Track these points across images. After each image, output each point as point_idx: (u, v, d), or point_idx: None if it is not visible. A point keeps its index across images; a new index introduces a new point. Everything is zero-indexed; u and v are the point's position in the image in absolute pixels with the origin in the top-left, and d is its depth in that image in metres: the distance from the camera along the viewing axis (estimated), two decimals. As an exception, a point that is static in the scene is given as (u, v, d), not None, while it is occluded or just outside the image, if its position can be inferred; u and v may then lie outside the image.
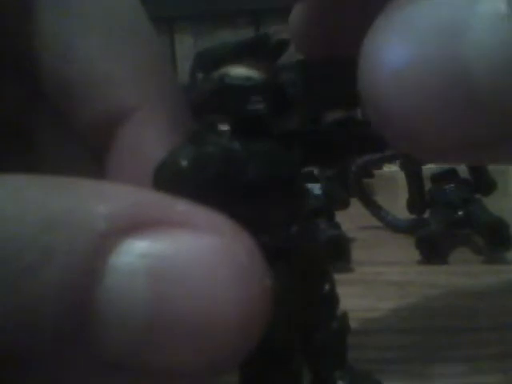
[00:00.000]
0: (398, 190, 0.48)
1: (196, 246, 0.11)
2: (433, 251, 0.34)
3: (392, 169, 0.57)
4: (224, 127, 0.15)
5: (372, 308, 0.27)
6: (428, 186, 0.41)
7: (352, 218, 0.40)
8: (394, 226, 0.41)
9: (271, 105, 0.14)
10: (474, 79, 0.12)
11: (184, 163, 0.13)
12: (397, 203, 0.43)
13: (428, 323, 0.26)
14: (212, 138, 0.14)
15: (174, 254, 0.10)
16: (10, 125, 0.19)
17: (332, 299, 0.17)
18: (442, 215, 0.37)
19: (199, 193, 0.13)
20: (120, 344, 0.10)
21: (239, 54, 0.14)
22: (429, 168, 0.41)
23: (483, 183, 0.40)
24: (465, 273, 0.32)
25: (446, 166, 0.40)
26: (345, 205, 0.40)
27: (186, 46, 0.98)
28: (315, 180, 0.39)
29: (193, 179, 0.13)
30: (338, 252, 0.33)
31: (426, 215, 0.40)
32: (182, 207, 0.11)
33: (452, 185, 0.39)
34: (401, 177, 0.44)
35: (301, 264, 0.15)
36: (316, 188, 0.39)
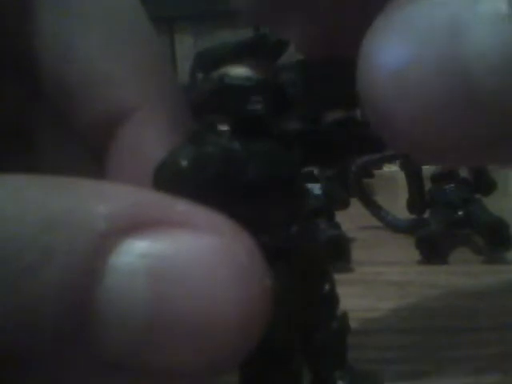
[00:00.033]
0: (397, 190, 0.48)
1: (196, 246, 0.11)
2: (433, 251, 0.34)
3: (392, 169, 0.57)
4: (224, 127, 0.15)
5: (372, 308, 0.27)
6: (428, 186, 0.41)
7: (352, 218, 0.40)
8: (394, 226, 0.41)
9: (271, 105, 0.14)
10: (474, 79, 0.12)
11: (184, 163, 0.13)
12: (397, 203, 0.43)
13: (428, 323, 0.26)
14: (212, 138, 0.14)
15: (173, 254, 0.10)
16: (9, 125, 0.19)
17: (332, 299, 0.17)
18: (442, 215, 0.37)
19: (199, 193, 0.13)
20: (120, 344, 0.10)
21: (239, 54, 0.14)
22: (429, 168, 0.41)
23: (483, 183, 0.40)
24: (465, 273, 0.32)
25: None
26: (345, 205, 0.40)
27: (186, 46, 0.98)
28: (315, 180, 0.39)
29: (193, 179, 0.13)
30: (338, 252, 0.33)
31: (426, 215, 0.40)
32: (181, 207, 0.11)
33: (452, 185, 0.39)
34: (401, 177, 0.44)
35: (301, 264, 0.15)
36: (316, 188, 0.39)
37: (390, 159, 0.45)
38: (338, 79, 0.15)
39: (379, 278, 0.31)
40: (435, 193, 0.40)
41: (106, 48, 0.18)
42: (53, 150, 0.20)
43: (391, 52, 0.12)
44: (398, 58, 0.12)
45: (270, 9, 0.15)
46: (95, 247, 0.10)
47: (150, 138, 0.18)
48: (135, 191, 0.11)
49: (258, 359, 0.14)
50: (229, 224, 0.11)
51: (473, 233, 0.36)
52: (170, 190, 0.12)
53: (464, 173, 0.40)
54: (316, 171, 0.41)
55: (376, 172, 0.56)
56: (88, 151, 0.19)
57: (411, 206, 0.41)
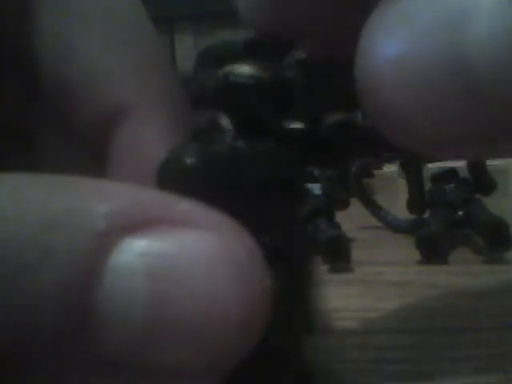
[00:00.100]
0: (397, 190, 0.48)
1: (196, 246, 0.11)
2: (433, 251, 0.34)
3: (392, 169, 0.57)
4: (227, 126, 0.15)
5: (372, 308, 0.27)
6: (428, 185, 0.41)
7: (352, 218, 0.39)
8: (394, 226, 0.41)
9: (275, 104, 0.14)
10: (475, 69, 0.11)
11: (189, 161, 0.13)
12: (397, 203, 0.43)
13: (428, 323, 0.25)
14: (216, 136, 0.14)
15: (173, 253, 0.10)
16: (10, 125, 0.19)
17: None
18: (442, 215, 0.37)
19: (204, 191, 0.13)
20: (120, 343, 0.10)
21: (243, 52, 0.14)
22: (429, 168, 0.41)
23: (483, 183, 0.40)
24: (465, 273, 0.31)
25: (445, 166, 0.40)
26: (345, 205, 0.40)
27: (186, 46, 0.98)
28: (315, 180, 0.39)
29: (198, 177, 0.13)
30: (338, 252, 0.33)
31: (426, 215, 0.40)
32: (182, 206, 0.11)
33: (452, 185, 0.39)
34: (401, 177, 0.44)
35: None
36: (316, 188, 0.39)
37: (390, 159, 0.45)
38: (338, 80, 0.15)
39: (379, 278, 0.31)
40: (435, 193, 0.40)
41: (105, 48, 0.18)
42: (53, 150, 0.20)
43: (390, 40, 0.12)
44: (397, 46, 0.12)
45: (271, 9, 0.15)
46: (95, 246, 0.10)
47: (149, 136, 0.18)
48: (135, 190, 0.11)
49: (258, 359, 0.14)
50: (229, 223, 0.11)
51: (473, 233, 0.36)
52: (174, 187, 0.12)
53: (464, 173, 0.40)
54: (316, 171, 0.41)
55: (376, 172, 0.56)
56: (88, 151, 0.19)
57: (411, 206, 0.41)
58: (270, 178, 0.14)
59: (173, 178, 0.14)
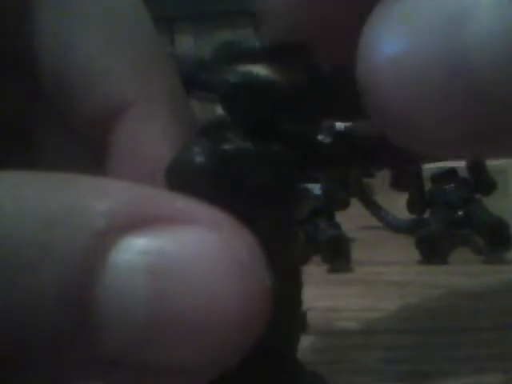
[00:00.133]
0: (398, 190, 0.48)
1: (196, 243, 0.11)
2: (433, 251, 0.34)
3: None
4: (235, 125, 0.14)
5: (372, 308, 0.27)
6: (428, 186, 0.41)
7: (352, 218, 0.40)
8: (394, 226, 0.41)
9: (289, 108, 0.14)
10: (474, 68, 0.11)
11: (199, 160, 0.13)
12: (397, 203, 0.43)
13: (428, 323, 0.25)
14: (224, 134, 0.14)
15: (173, 251, 0.10)
16: (10, 125, 0.19)
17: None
18: (442, 215, 0.37)
19: (213, 191, 0.13)
20: (120, 342, 0.10)
21: (260, 54, 0.14)
22: (429, 168, 0.41)
23: (483, 183, 0.40)
24: (465, 273, 0.31)
25: (445, 166, 0.40)
26: (345, 205, 0.40)
27: (186, 46, 0.98)
28: (315, 180, 0.39)
29: (208, 177, 0.13)
30: (338, 252, 0.33)
31: (426, 215, 0.40)
32: (182, 204, 0.11)
33: (452, 185, 0.39)
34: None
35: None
36: (316, 188, 0.39)
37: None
38: (343, 88, 0.15)
39: (379, 278, 0.31)
40: (435, 193, 0.40)
41: (105, 48, 0.18)
42: (53, 150, 0.20)
43: (391, 38, 0.12)
44: (397, 44, 0.12)
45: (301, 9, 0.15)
46: (94, 244, 0.10)
47: (149, 135, 0.18)
48: (134, 188, 0.11)
49: (258, 359, 0.14)
50: (229, 221, 0.11)
51: (473, 233, 0.36)
52: (183, 186, 0.12)
53: (464, 173, 0.40)
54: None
55: (376, 172, 0.56)
56: (88, 151, 0.19)
57: (411, 206, 0.41)
58: (272, 180, 0.14)
59: (182, 176, 0.13)
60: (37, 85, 0.19)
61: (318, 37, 0.15)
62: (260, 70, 0.14)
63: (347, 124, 0.17)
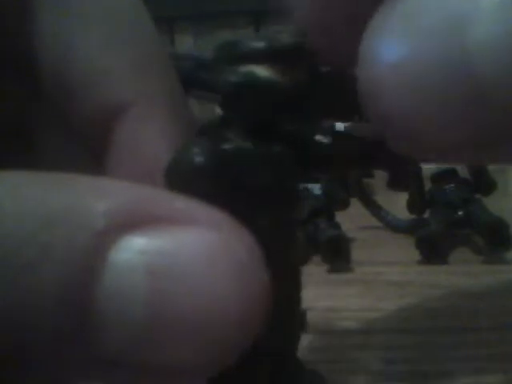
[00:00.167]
0: (397, 189, 0.48)
1: (196, 243, 0.11)
2: (433, 251, 0.34)
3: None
4: (236, 125, 0.14)
5: (372, 308, 0.27)
6: (428, 185, 0.41)
7: (352, 218, 0.39)
8: (394, 226, 0.41)
9: (291, 109, 0.14)
10: (475, 74, 0.11)
11: (198, 160, 0.13)
12: (397, 203, 0.43)
13: (428, 323, 0.26)
14: (223, 134, 0.14)
15: (172, 251, 0.10)
16: (10, 125, 0.19)
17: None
18: (442, 215, 0.37)
19: (213, 191, 0.13)
20: (120, 342, 0.10)
21: (263, 54, 0.14)
22: (429, 168, 0.41)
23: (483, 183, 0.40)
24: (465, 273, 0.31)
25: (445, 166, 0.40)
26: (345, 205, 0.40)
27: (186, 46, 0.98)
28: (315, 180, 0.39)
29: (208, 176, 0.13)
30: (338, 252, 0.33)
31: (426, 215, 0.40)
32: (181, 204, 0.11)
33: (452, 185, 0.39)
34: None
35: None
36: (316, 188, 0.39)
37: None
38: (343, 88, 0.15)
39: (379, 278, 0.31)
40: (435, 193, 0.40)
41: (105, 48, 0.18)
42: (53, 150, 0.20)
43: (391, 45, 0.12)
44: (397, 50, 0.12)
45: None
46: (94, 244, 0.10)
47: (149, 135, 0.18)
48: (134, 187, 0.11)
49: (258, 359, 0.14)
50: (229, 221, 0.11)
51: (473, 233, 0.36)
52: (183, 186, 0.12)
53: (464, 173, 0.40)
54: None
55: (376, 172, 0.56)
56: (88, 151, 0.19)
57: (411, 206, 0.41)
58: (272, 180, 0.14)
59: (181, 176, 0.13)
60: (37, 85, 0.19)
61: (320, 38, 0.15)
62: (262, 70, 0.14)
63: (347, 124, 0.17)
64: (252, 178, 0.13)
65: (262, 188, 0.13)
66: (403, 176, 0.38)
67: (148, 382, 0.11)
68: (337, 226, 0.36)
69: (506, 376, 0.21)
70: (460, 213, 0.37)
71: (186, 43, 0.99)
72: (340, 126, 0.17)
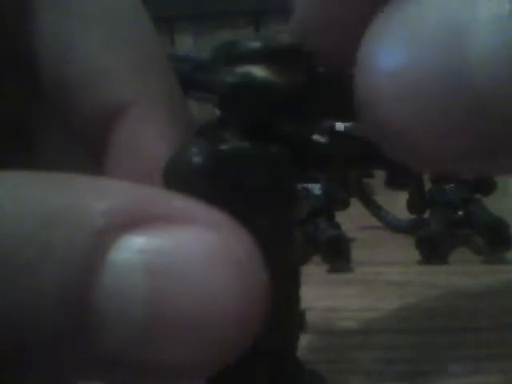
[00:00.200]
0: (398, 189, 0.48)
1: (195, 242, 0.11)
2: (433, 251, 0.34)
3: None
4: (234, 126, 0.14)
5: (372, 308, 0.27)
6: (428, 186, 0.41)
7: (352, 218, 0.40)
8: (394, 226, 0.41)
9: (288, 110, 0.14)
10: (476, 84, 0.11)
11: (196, 160, 0.13)
12: (397, 203, 0.43)
13: (428, 323, 0.26)
14: (221, 134, 0.14)
15: (171, 250, 0.10)
16: (10, 125, 0.19)
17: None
18: (442, 215, 0.37)
19: (211, 191, 0.13)
20: (119, 342, 0.10)
21: (260, 55, 0.14)
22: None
23: (483, 183, 0.40)
24: (465, 273, 0.32)
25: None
26: (345, 205, 0.40)
27: (186, 46, 0.98)
28: (315, 180, 0.39)
29: (206, 177, 0.13)
30: (338, 252, 0.33)
31: (426, 215, 0.40)
32: (180, 203, 0.11)
33: (452, 185, 0.39)
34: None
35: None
36: (316, 188, 0.39)
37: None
38: (342, 88, 0.15)
39: (379, 278, 0.31)
40: (435, 193, 0.40)
41: (105, 48, 0.18)
42: (53, 150, 0.20)
43: (389, 53, 0.12)
44: (396, 59, 0.12)
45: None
46: (94, 244, 0.10)
47: (148, 135, 0.18)
48: (133, 187, 0.11)
49: (258, 359, 0.14)
50: (227, 221, 0.11)
51: (473, 233, 0.36)
52: (180, 186, 0.12)
53: (464, 173, 0.40)
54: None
55: (376, 172, 0.56)
56: (88, 151, 0.19)
57: (411, 206, 0.41)
58: (270, 180, 0.14)
59: (180, 176, 0.13)
60: (37, 85, 0.19)
61: (319, 39, 0.15)
62: (259, 71, 0.14)
63: (347, 124, 0.17)
64: (249, 178, 0.13)
65: (260, 188, 0.13)
66: (402, 175, 0.38)
67: (148, 382, 0.11)
68: (337, 226, 0.36)
69: (506, 376, 0.21)
70: (460, 213, 0.37)
71: (186, 43, 0.99)
72: (340, 125, 0.17)
